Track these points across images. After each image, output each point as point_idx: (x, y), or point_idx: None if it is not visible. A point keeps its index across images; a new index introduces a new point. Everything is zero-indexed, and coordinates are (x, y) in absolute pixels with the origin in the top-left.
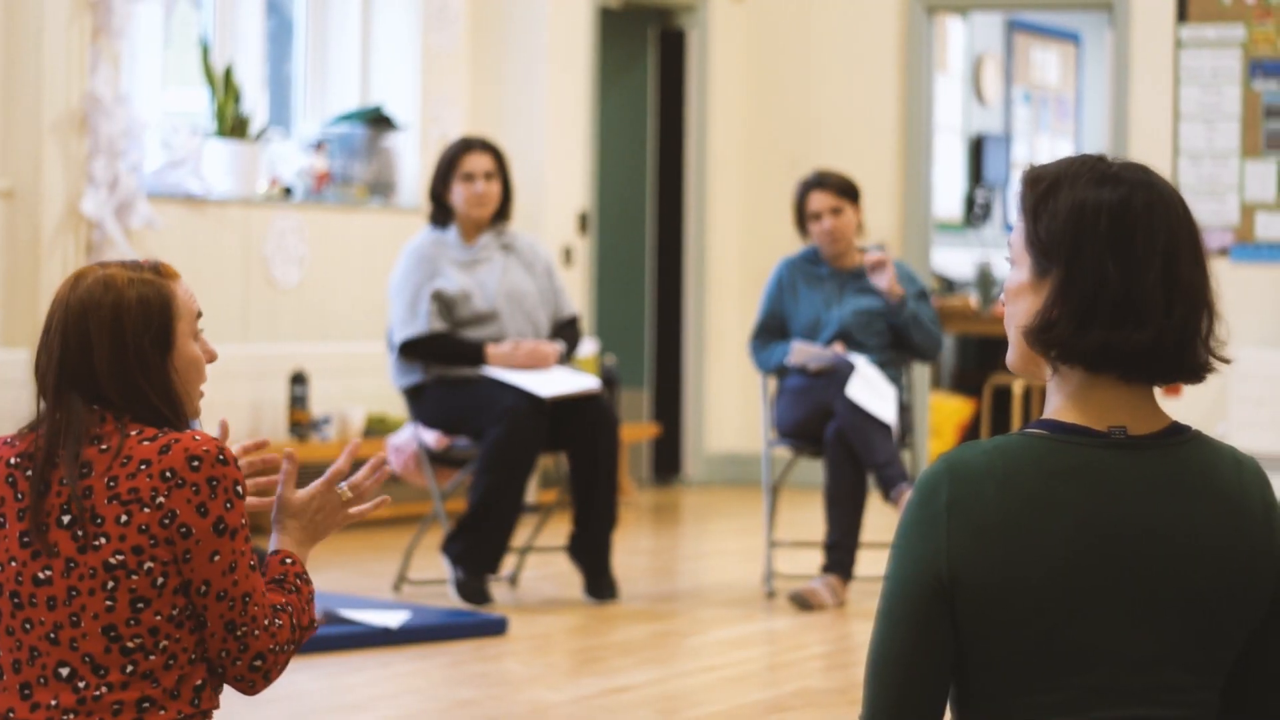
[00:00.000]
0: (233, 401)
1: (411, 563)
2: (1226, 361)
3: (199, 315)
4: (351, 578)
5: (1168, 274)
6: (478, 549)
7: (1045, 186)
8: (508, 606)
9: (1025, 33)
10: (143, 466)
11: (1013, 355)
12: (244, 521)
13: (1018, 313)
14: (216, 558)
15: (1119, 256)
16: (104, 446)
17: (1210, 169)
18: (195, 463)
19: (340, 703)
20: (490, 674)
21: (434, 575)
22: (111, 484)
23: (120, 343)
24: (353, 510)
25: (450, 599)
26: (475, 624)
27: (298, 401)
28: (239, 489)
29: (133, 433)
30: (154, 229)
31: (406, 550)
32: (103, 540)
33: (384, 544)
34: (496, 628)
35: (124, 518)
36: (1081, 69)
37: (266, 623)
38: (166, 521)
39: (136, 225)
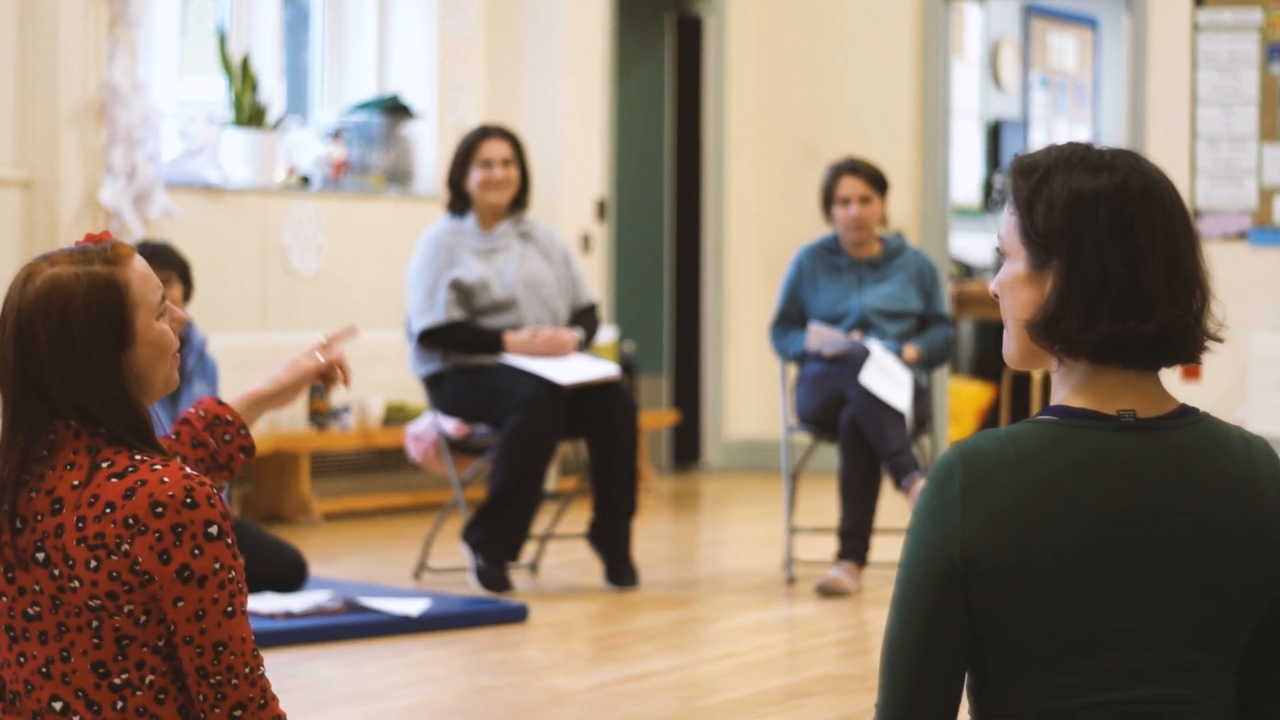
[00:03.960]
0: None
1: (431, 551)
2: (1221, 341)
3: (161, 294)
4: (371, 566)
5: (1168, 261)
6: (498, 537)
7: (1038, 177)
8: (528, 594)
9: (1042, 18)
10: (108, 510)
11: (1011, 348)
12: (217, 566)
13: (1015, 305)
14: (180, 604)
15: (1120, 246)
16: (75, 481)
17: (1228, 153)
18: (159, 509)
19: (360, 691)
20: (510, 661)
21: (454, 563)
22: (80, 525)
23: (68, 351)
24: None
25: (470, 587)
26: (495, 611)
27: (316, 390)
28: (211, 530)
29: (104, 464)
30: (172, 218)
31: (426, 538)
32: (77, 584)
33: (404, 532)
34: (517, 615)
35: (93, 563)
36: (1099, 54)
37: (247, 671)
38: (135, 568)
39: (154, 215)
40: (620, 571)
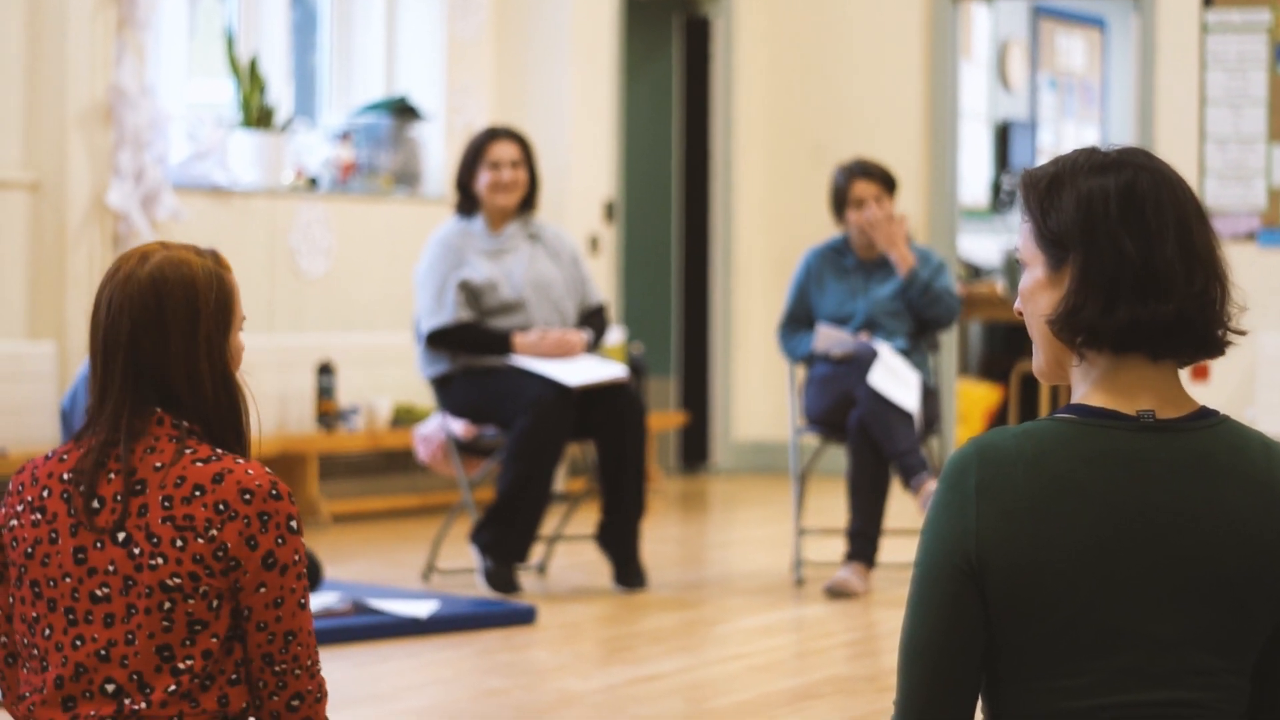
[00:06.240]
0: (259, 393)
1: (440, 552)
2: (1242, 333)
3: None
4: (380, 567)
5: (1183, 245)
6: (506, 538)
7: (1047, 183)
8: (536, 595)
9: (1050, 18)
10: (196, 493)
11: (1039, 359)
12: (296, 559)
13: (1038, 310)
14: (263, 589)
15: (1134, 233)
16: (158, 464)
17: (1236, 154)
18: (247, 496)
19: (369, 693)
20: (519, 663)
21: (463, 565)
22: (166, 504)
23: (192, 325)
24: None
25: (479, 588)
26: (504, 613)
27: (325, 392)
28: (292, 524)
29: (187, 451)
30: (179, 220)
31: (435, 540)
32: (160, 561)
33: (412, 533)
34: (525, 617)
35: (179, 542)
36: (1107, 55)
37: (309, 664)
38: (220, 554)
39: (162, 217)
40: (628, 573)
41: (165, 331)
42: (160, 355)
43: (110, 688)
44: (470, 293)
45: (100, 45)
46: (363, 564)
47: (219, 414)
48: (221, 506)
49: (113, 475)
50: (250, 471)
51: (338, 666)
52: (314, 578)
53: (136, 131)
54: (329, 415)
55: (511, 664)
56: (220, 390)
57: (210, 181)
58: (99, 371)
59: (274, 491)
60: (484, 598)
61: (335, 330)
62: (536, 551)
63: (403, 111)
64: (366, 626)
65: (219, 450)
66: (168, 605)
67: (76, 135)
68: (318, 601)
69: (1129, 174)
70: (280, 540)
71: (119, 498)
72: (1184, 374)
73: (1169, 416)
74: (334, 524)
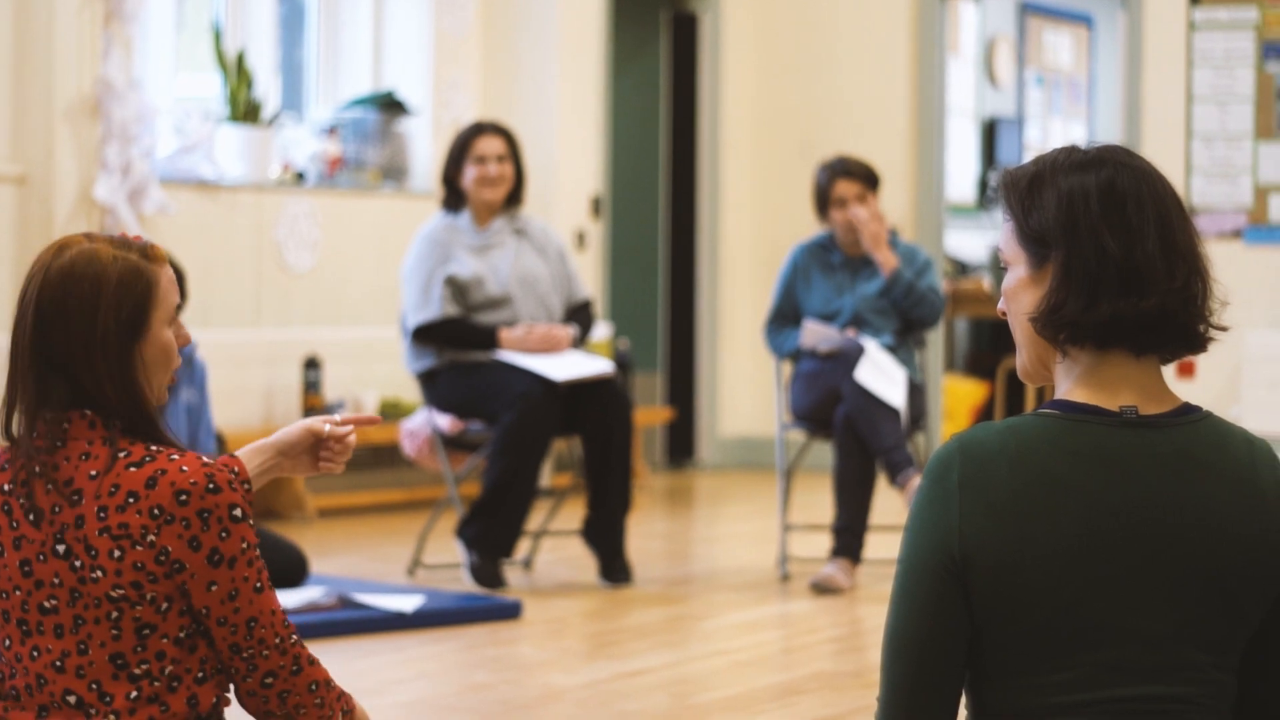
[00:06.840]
0: (246, 386)
1: (426, 547)
2: (1224, 329)
3: (178, 306)
4: (365, 562)
5: (1164, 241)
6: (492, 533)
7: (1027, 182)
8: (522, 590)
9: (1038, 15)
10: (130, 500)
11: (1023, 358)
12: (244, 546)
13: (1021, 310)
14: (214, 587)
15: (1115, 230)
16: (93, 472)
17: (1223, 151)
18: (183, 497)
19: (354, 687)
20: (504, 658)
21: (448, 559)
22: (102, 515)
23: (91, 325)
24: (321, 465)
25: (464, 583)
26: (489, 608)
27: (311, 387)
28: (236, 512)
29: (121, 454)
30: (166, 214)
31: (421, 534)
32: (100, 574)
33: (398, 528)
34: (511, 612)
35: (117, 553)
36: (1094, 52)
37: (278, 642)
38: (161, 559)
39: (149, 211)
40: (614, 568)
41: (69, 328)
42: (65, 353)
43: (72, 699)
44: (456, 288)
45: (87, 39)
46: (348, 558)
47: (125, 414)
48: (156, 511)
49: (49, 487)
50: (185, 469)
51: (322, 661)
52: (299, 572)
53: (124, 125)
54: (315, 409)
55: (497, 659)
56: (120, 392)
57: (197, 175)
58: (15, 372)
59: (211, 486)
60: (470, 592)
61: (322, 325)
62: (522, 546)
63: (390, 106)
64: (352, 621)
65: (154, 448)
66: (115, 614)
67: (64, 129)
68: (303, 596)
69: (1109, 171)
70: (224, 534)
71: (57, 509)
72: (1170, 372)
73: (1152, 412)
74: (319, 518)
